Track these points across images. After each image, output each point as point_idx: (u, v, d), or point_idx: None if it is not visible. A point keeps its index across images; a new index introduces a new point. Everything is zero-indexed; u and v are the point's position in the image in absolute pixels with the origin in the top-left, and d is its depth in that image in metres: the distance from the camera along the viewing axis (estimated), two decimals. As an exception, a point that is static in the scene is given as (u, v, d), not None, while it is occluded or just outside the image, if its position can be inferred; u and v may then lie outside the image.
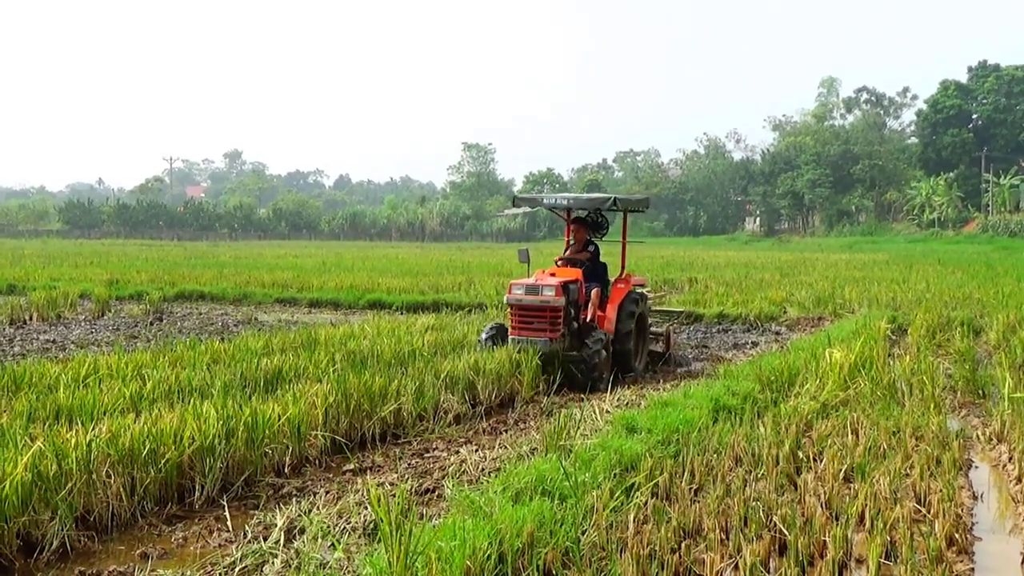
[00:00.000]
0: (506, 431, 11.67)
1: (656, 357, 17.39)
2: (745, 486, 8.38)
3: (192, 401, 10.29)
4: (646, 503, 7.77)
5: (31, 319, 22.75)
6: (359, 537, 7.42)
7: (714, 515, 7.54)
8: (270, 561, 6.97)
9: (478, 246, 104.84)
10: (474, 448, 10.62)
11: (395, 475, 9.45)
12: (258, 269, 39.56)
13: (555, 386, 13.88)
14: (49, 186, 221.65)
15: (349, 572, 6.41)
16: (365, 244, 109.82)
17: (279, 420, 9.86)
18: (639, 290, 16.88)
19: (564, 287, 14.99)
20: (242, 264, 45.21)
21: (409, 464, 9.99)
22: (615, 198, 15.92)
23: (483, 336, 15.80)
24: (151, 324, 22.21)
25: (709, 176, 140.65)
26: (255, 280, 33.17)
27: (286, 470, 9.76)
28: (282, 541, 7.39)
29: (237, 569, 6.84)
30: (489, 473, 9.24)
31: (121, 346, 16.03)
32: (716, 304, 26.07)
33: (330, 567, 6.50)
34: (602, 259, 16.67)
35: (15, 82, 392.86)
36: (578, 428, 10.53)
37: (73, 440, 8.24)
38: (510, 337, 15.15)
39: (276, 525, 7.75)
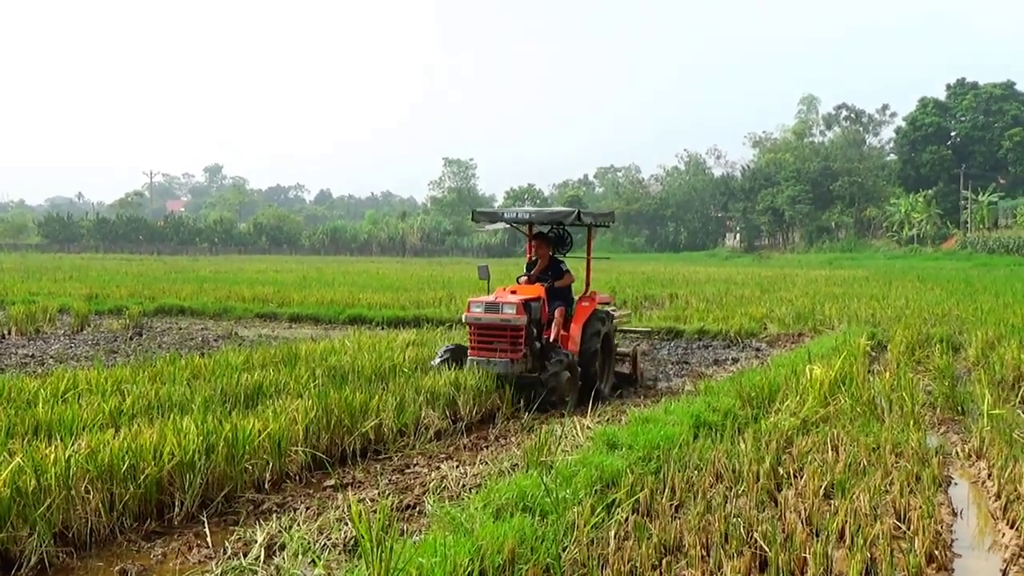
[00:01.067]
0: (487, 447, 11.65)
1: (623, 379, 16.80)
2: (726, 502, 8.38)
3: (172, 416, 10.25)
4: (627, 519, 7.76)
5: (9, 333, 22.68)
6: (339, 553, 7.39)
7: (695, 531, 7.54)
8: (250, 578, 6.94)
9: (459, 261, 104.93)
10: (455, 464, 10.60)
11: (376, 491, 9.42)
12: (238, 284, 39.48)
13: (534, 404, 13.81)
14: (28, 200, 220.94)
15: (330, 589, 6.38)
16: (346, 259, 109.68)
17: (259, 436, 9.84)
18: (605, 308, 16.45)
19: (526, 305, 14.39)
20: (222, 279, 45.10)
21: (390, 480, 9.97)
22: (579, 212, 15.33)
23: (437, 358, 15.03)
24: (131, 339, 22.14)
25: (689, 192, 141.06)
26: (235, 295, 33.11)
27: (266, 486, 9.72)
28: (262, 557, 7.36)
29: (217, 586, 6.81)
30: (470, 489, 9.22)
31: (100, 361, 15.97)
32: (697, 320, 26.13)
33: (310, 584, 6.48)
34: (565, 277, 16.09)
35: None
36: (559, 444, 10.52)
37: (52, 455, 8.21)
38: (468, 358, 14.44)
39: (256, 541, 7.72)
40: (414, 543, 6.61)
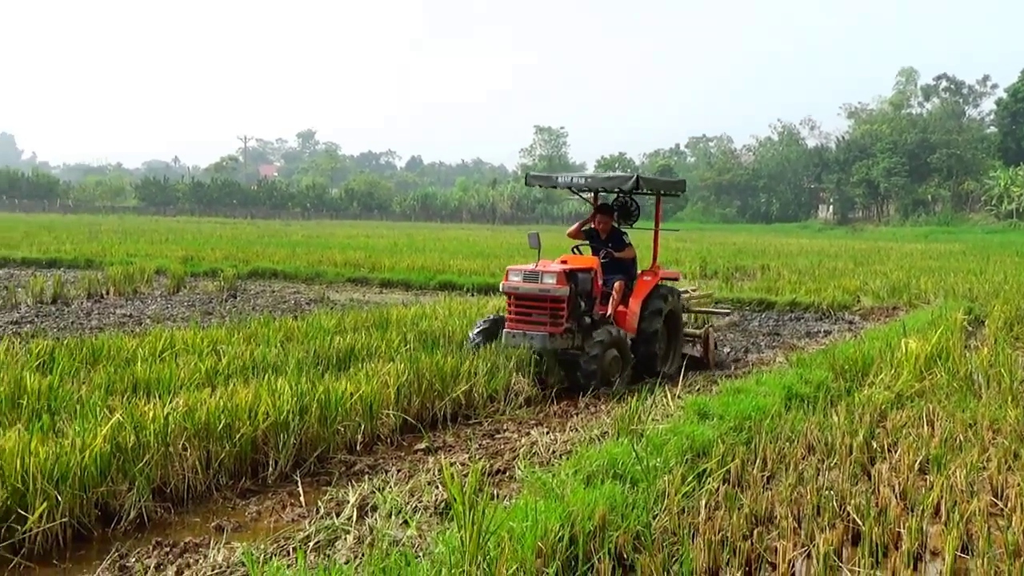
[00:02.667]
0: (577, 414, 11.65)
1: (693, 362, 15.44)
2: (818, 475, 8.32)
3: (266, 377, 10.38)
4: (718, 489, 7.73)
5: (108, 293, 23.09)
6: (430, 516, 7.45)
7: (786, 503, 7.49)
8: (343, 537, 7.02)
9: (549, 229, 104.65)
10: (545, 430, 10.62)
11: (466, 455, 9.49)
12: (330, 248, 39.81)
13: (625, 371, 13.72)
14: (126, 163, 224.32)
15: (421, 550, 6.44)
16: (436, 226, 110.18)
17: (351, 398, 9.94)
18: (671, 285, 15.44)
19: (571, 275, 13.34)
20: (314, 243, 45.52)
21: (480, 445, 10.02)
22: (638, 177, 13.96)
23: (475, 330, 14.03)
24: (225, 300, 22.45)
25: (782, 163, 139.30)
26: (327, 259, 33.39)
27: (358, 448, 9.83)
28: (354, 517, 7.44)
29: (310, 544, 6.90)
30: (560, 456, 9.24)
31: (196, 322, 16.23)
32: (788, 292, 25.84)
33: (403, 544, 6.54)
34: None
35: (95, 61, 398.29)
36: (649, 413, 10.49)
37: (151, 413, 8.37)
38: (504, 331, 13.46)
39: (348, 502, 7.81)
40: (505, 507, 6.64)
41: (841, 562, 6.51)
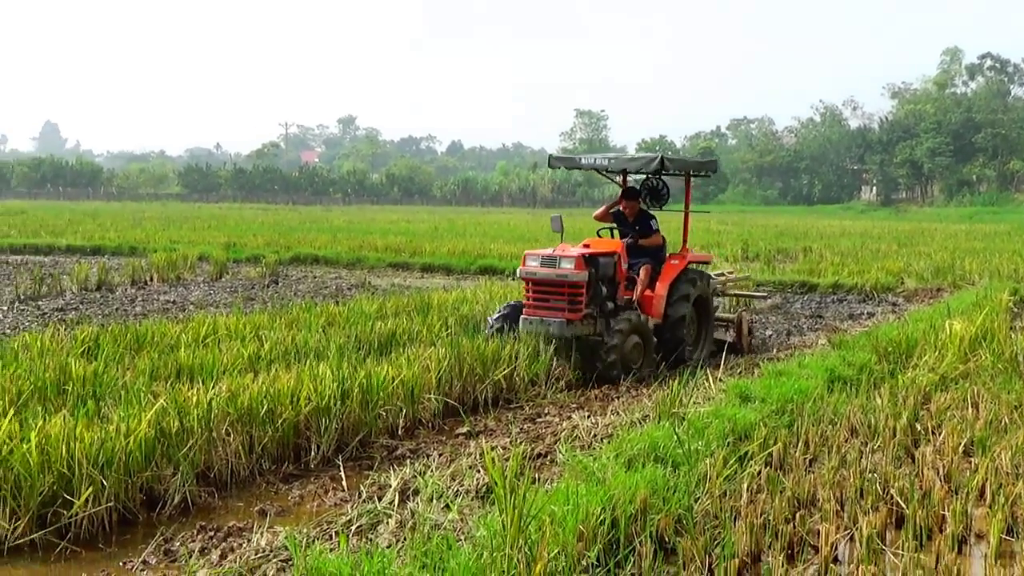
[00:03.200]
0: (618, 398, 11.64)
1: (726, 347, 14.71)
2: (861, 457, 8.27)
3: (308, 362, 10.45)
4: (760, 472, 7.71)
5: (152, 280, 23.26)
6: (472, 499, 7.47)
7: (829, 486, 7.46)
8: (385, 521, 7.05)
9: (589, 212, 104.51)
10: (586, 414, 10.61)
11: (507, 439, 9.50)
12: (371, 234, 39.90)
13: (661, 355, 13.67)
14: (169, 151, 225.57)
15: (463, 533, 6.46)
16: (477, 210, 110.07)
17: (393, 383, 9.98)
18: (702, 268, 15.05)
19: (590, 260, 12.91)
20: (355, 229, 45.64)
21: (521, 428, 10.03)
22: (662, 157, 13.40)
23: (494, 316, 13.72)
24: (267, 286, 22.57)
25: (824, 144, 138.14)
26: (368, 244, 33.47)
27: (400, 432, 9.88)
28: (396, 502, 7.47)
29: (353, 528, 6.94)
30: (601, 439, 9.23)
31: (239, 307, 16.33)
32: (831, 274, 25.66)
33: (444, 528, 6.56)
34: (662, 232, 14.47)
35: (138, 50, 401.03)
36: (691, 396, 10.47)
37: (194, 398, 8.44)
38: (522, 317, 13.03)
39: (390, 486, 7.84)
40: (546, 491, 6.65)
41: (884, 545, 6.48)
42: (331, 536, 6.77)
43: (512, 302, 14.07)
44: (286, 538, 6.36)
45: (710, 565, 6.04)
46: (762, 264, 28.93)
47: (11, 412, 7.82)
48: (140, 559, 6.63)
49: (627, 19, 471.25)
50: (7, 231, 37.54)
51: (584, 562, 5.84)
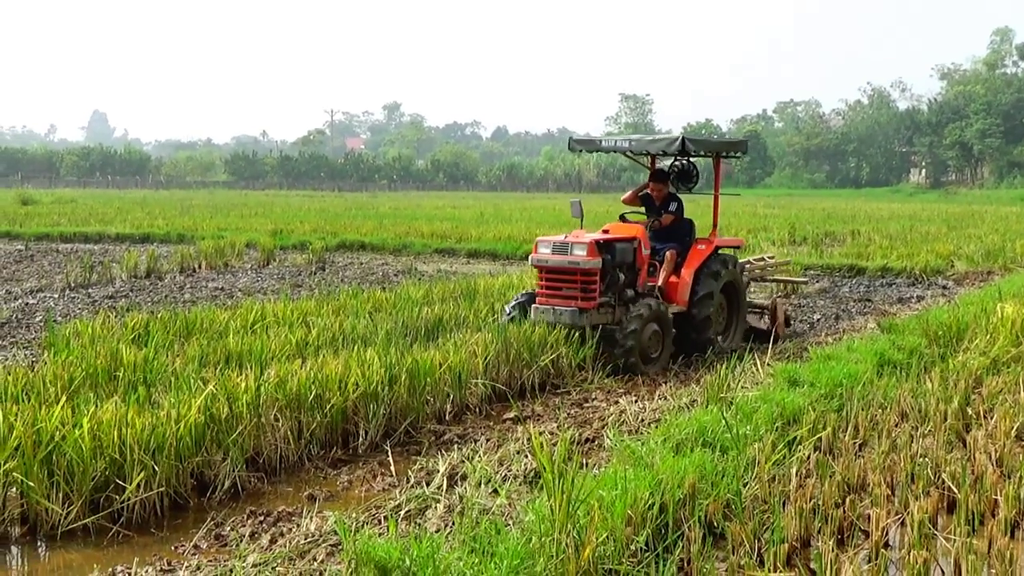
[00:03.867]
0: (665, 382, 11.62)
1: (760, 336, 14.52)
2: (911, 442, 8.20)
3: (356, 348, 10.49)
4: (809, 457, 7.67)
5: (200, 267, 23.42)
6: (520, 484, 7.49)
7: (879, 471, 7.41)
8: (433, 506, 7.08)
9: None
10: (633, 399, 10.60)
11: (555, 424, 9.51)
12: (417, 220, 39.97)
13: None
14: (215, 139, 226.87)
15: (511, 518, 6.47)
16: (522, 195, 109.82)
17: (440, 368, 10.00)
18: (732, 253, 14.52)
19: (605, 246, 12.48)
20: (401, 215, 45.73)
21: (568, 413, 10.03)
22: (683, 138, 13.02)
23: (509, 305, 13.22)
24: (314, 273, 22.67)
25: (872, 126, 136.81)
26: (414, 231, 33.52)
27: (447, 417, 9.92)
28: (444, 487, 7.50)
29: (401, 513, 6.96)
30: (649, 424, 9.23)
31: (286, 294, 16.41)
32: (880, 257, 25.46)
33: (492, 513, 6.57)
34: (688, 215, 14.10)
35: (184, 40, 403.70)
36: (739, 380, 10.42)
37: (243, 384, 8.50)
38: (534, 306, 12.62)
39: (438, 471, 7.87)
40: (594, 476, 6.65)
41: (936, 530, 6.43)
42: (380, 521, 6.80)
43: (528, 290, 13.63)
44: (335, 523, 6.39)
45: (759, 550, 6.02)
46: (810, 248, 28.73)
47: (64, 398, 7.91)
48: (191, 543, 6.68)
49: (672, 2, 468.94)
50: (58, 219, 37.89)
51: (633, 547, 5.84)
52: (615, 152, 14.18)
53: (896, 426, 8.76)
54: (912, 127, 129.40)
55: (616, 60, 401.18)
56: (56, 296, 17.95)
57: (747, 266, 15.69)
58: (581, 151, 14.33)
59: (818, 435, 8.14)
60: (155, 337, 11.31)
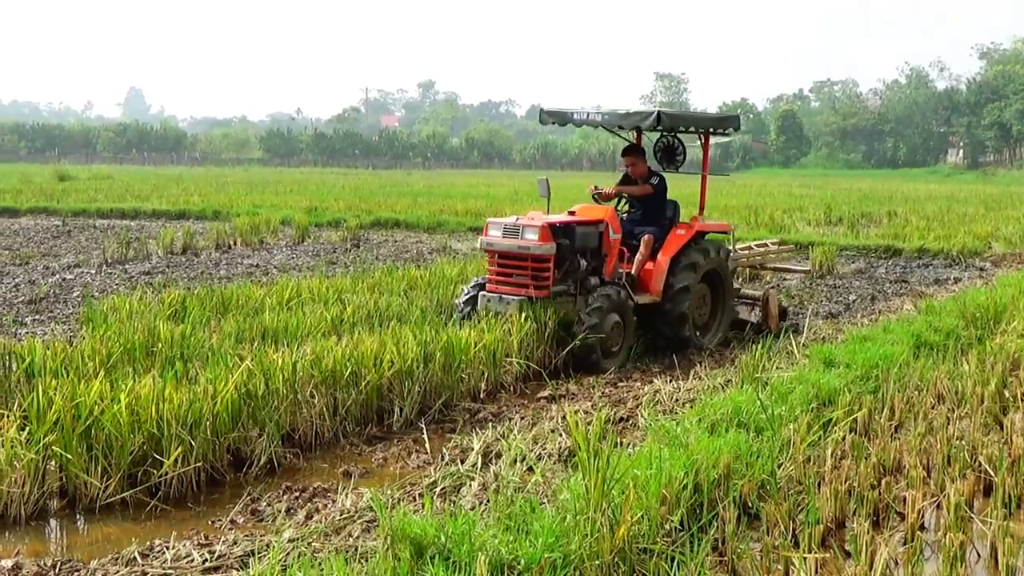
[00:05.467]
0: (700, 362, 11.59)
1: (751, 329, 13.47)
2: (948, 424, 8.17)
3: (391, 326, 10.52)
4: (844, 438, 7.65)
5: (235, 244, 23.50)
6: (554, 463, 7.50)
7: (916, 452, 7.38)
8: (468, 483, 7.11)
9: (670, 176, 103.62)
10: (668, 378, 10.58)
11: (589, 403, 9.51)
12: (451, 198, 39.96)
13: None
14: (250, 116, 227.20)
15: (546, 496, 6.49)
16: (557, 173, 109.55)
17: (475, 347, 10.01)
18: (712, 239, 13.47)
19: (562, 229, 11.48)
20: (435, 193, 45.74)
21: (603, 393, 10.03)
22: (659, 112, 11.87)
23: (462, 299, 12.16)
24: (349, 250, 22.71)
25: (910, 107, 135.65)
26: (448, 209, 33.52)
27: (481, 396, 9.96)
28: (479, 464, 7.52)
29: (436, 490, 6.99)
30: (683, 404, 9.23)
31: (321, 271, 16.48)
32: (916, 238, 25.27)
33: (527, 491, 6.59)
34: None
35: (220, 16, 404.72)
36: (773, 361, 10.40)
37: (279, 361, 8.53)
38: (481, 293, 11.76)
39: (473, 449, 7.90)
40: (629, 455, 6.65)
41: (972, 513, 6.40)
42: (415, 498, 6.84)
43: (481, 279, 12.34)
44: (371, 499, 6.42)
45: (794, 531, 6.01)
46: (846, 228, 28.59)
47: (102, 373, 7.98)
48: (228, 518, 6.74)
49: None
50: (94, 195, 38.09)
51: (667, 526, 5.85)
52: (588, 126, 13.01)
53: (932, 408, 8.72)
54: (950, 107, 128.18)
55: (651, 38, 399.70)
56: (93, 272, 18.07)
57: (747, 252, 15.05)
58: (553, 123, 13.05)
59: (854, 416, 8.11)
60: (192, 313, 11.38)
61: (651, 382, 10.44)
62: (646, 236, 12.21)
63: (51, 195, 37.68)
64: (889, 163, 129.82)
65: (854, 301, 16.58)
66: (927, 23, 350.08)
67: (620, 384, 10.58)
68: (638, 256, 12.11)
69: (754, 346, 10.92)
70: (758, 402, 7.89)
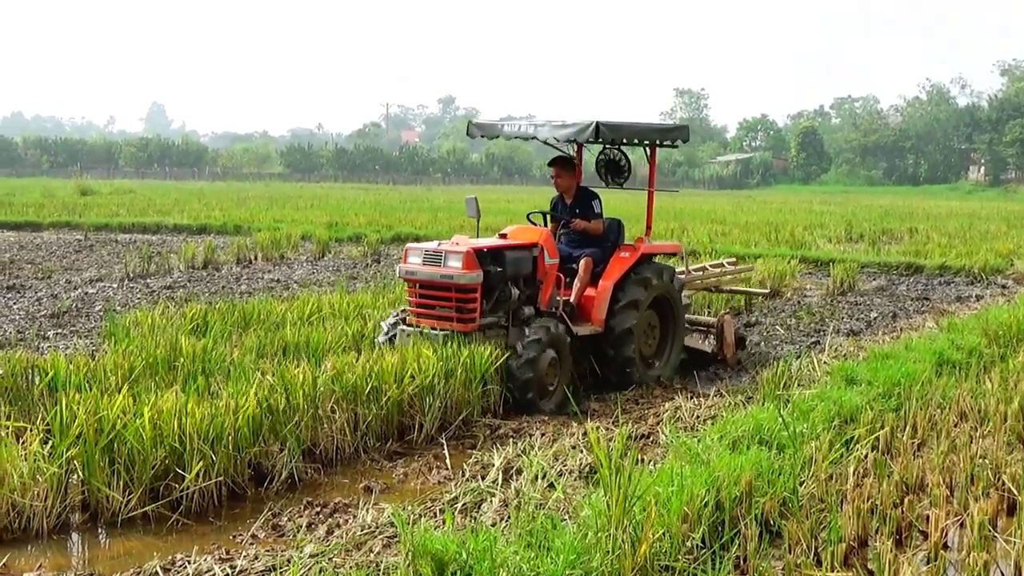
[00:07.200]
0: (721, 380, 11.57)
1: (704, 358, 12.55)
2: (971, 442, 8.13)
3: (412, 341, 10.52)
4: (866, 456, 7.62)
5: (256, 259, 23.58)
6: (575, 479, 7.51)
7: (938, 471, 7.35)
8: (488, 499, 7.11)
9: (690, 193, 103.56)
10: (689, 395, 10.57)
11: (610, 420, 9.51)
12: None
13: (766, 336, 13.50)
14: (271, 131, 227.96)
15: (567, 513, 6.48)
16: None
17: (496, 363, 10.00)
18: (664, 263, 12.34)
19: (488, 255, 10.40)
20: (456, 208, 45.71)
21: (623, 410, 10.01)
22: (598, 124, 10.55)
23: (387, 323, 11.11)
24: (369, 265, 22.78)
25: (931, 123, 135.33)
26: (469, 224, 33.50)
27: (502, 411, 9.91)
28: (500, 480, 7.53)
29: (458, 505, 7.00)
30: (704, 420, 9.22)
31: (342, 286, 16.49)
32: (938, 255, 25.18)
33: (548, 507, 6.58)
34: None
35: (241, 32, 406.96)
36: (795, 378, 10.38)
37: (300, 376, 8.54)
38: (400, 328, 10.65)
39: (494, 465, 7.90)
40: (650, 472, 6.64)
41: (996, 532, 6.37)
42: (435, 513, 6.84)
43: (400, 311, 11.22)
44: (392, 515, 6.43)
45: (816, 549, 6.00)
46: (866, 245, 28.50)
47: (124, 387, 8.00)
48: (249, 533, 6.76)
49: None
50: (116, 210, 38.26)
51: (689, 544, 5.84)
52: (519, 139, 11.78)
53: (955, 426, 8.68)
54: (972, 124, 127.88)
55: (671, 54, 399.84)
56: (115, 286, 18.15)
57: (701, 274, 13.89)
58: (481, 137, 12.14)
59: (876, 434, 8.08)
60: (213, 328, 11.43)
61: (672, 399, 10.43)
62: (584, 260, 11.16)
63: (73, 209, 37.86)
64: (910, 180, 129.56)
65: (875, 318, 16.52)
66: (950, 39, 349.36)
67: (641, 401, 10.57)
68: (577, 282, 11.08)
69: (775, 363, 10.89)
70: (780, 419, 7.88)
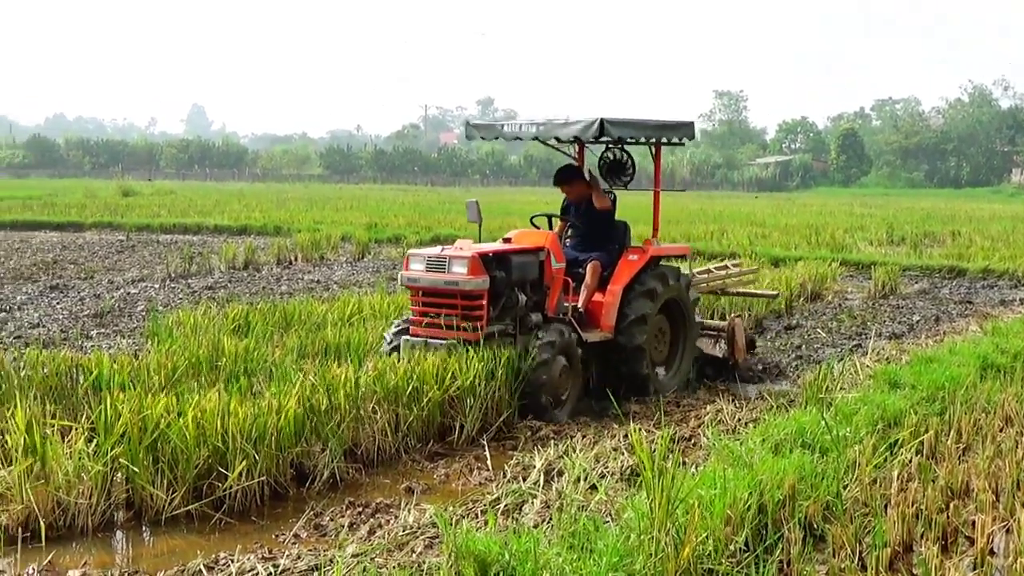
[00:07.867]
0: (762, 382, 11.52)
1: (716, 364, 12.18)
2: (1017, 447, 8.04)
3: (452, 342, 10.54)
4: (910, 461, 7.56)
5: (296, 259, 23.68)
6: (616, 481, 7.49)
7: (984, 476, 7.28)
8: (530, 501, 7.11)
9: (729, 195, 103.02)
10: (731, 398, 10.53)
11: (651, 422, 9.48)
12: (510, 215, 39.84)
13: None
14: (311, 132, 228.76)
15: (610, 515, 6.47)
16: (617, 191, 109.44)
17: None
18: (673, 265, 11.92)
19: (494, 260, 9.98)
20: (494, 210, 45.53)
21: (665, 412, 9.97)
22: (602, 121, 10.20)
23: (391, 332, 10.62)
24: (409, 267, 22.78)
25: (973, 125, 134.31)
26: (508, 226, 33.22)
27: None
28: (541, 482, 7.52)
29: (499, 507, 7.00)
30: (746, 424, 9.19)
31: (382, 287, 16.54)
32: (981, 259, 24.94)
33: (590, 509, 6.57)
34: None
35: (281, 34, 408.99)
36: (838, 382, 10.32)
37: (342, 376, 8.56)
38: (404, 339, 10.15)
39: (535, 466, 7.90)
40: (693, 474, 6.62)
41: (1043, 538, 6.30)
42: (477, 514, 6.85)
43: (403, 320, 10.78)
44: (434, 515, 6.44)
45: (860, 554, 5.95)
46: (908, 248, 28.30)
47: (167, 387, 8.06)
48: (291, 532, 6.79)
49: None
50: (158, 211, 38.53)
51: (732, 547, 5.80)
52: (521, 139, 11.46)
53: (1000, 431, 8.60)
54: (1015, 126, 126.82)
55: (711, 56, 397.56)
56: (157, 286, 18.28)
57: (706, 276, 13.62)
58: (481, 138, 11.89)
59: (920, 439, 8.02)
60: (255, 328, 11.49)
61: (713, 401, 10.41)
62: (592, 264, 10.84)
63: (115, 210, 38.18)
64: (952, 182, 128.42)
65: (918, 322, 16.39)
66: (991, 41, 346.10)
67: (682, 403, 10.55)
68: (584, 287, 10.75)
69: (818, 366, 10.83)
70: (823, 423, 7.83)
